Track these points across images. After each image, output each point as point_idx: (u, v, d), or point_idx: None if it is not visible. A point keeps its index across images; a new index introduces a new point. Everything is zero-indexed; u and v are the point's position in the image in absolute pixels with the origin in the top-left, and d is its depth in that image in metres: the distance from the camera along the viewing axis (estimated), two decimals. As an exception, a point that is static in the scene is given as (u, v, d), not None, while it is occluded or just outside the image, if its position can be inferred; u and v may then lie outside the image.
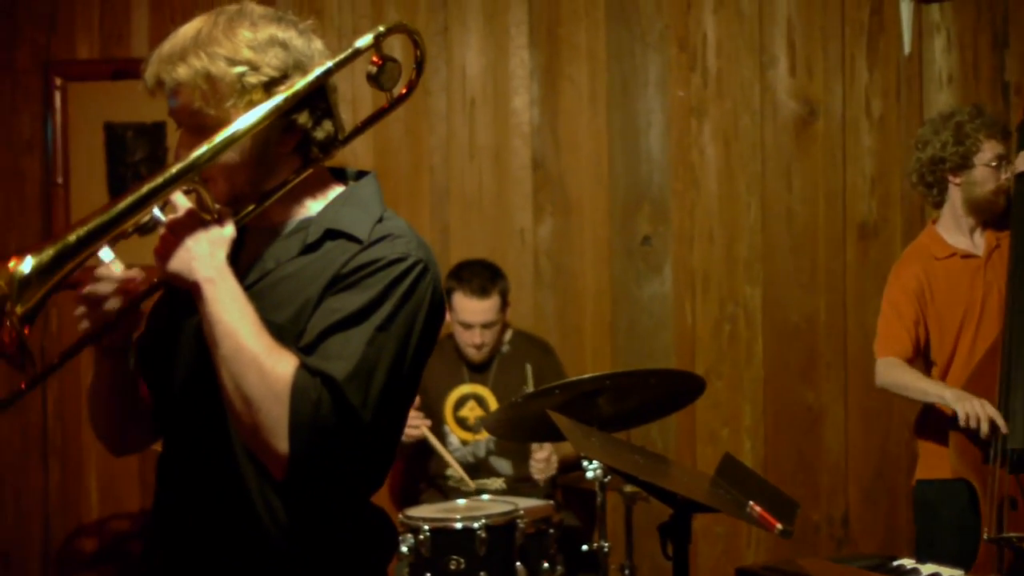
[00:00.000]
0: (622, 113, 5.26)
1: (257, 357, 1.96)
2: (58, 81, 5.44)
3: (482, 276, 4.81)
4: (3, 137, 5.52)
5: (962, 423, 3.97)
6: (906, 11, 4.99)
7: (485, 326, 4.81)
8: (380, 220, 2.16)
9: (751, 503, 2.44)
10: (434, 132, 5.35)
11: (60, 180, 5.45)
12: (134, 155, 5.36)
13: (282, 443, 1.97)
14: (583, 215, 5.29)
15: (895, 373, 4.23)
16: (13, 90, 5.49)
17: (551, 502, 4.54)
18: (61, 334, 5.17)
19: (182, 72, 2.05)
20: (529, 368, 4.72)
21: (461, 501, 4.54)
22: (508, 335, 4.99)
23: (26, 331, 1.88)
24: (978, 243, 4.36)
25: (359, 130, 2.24)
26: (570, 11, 5.28)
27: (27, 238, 5.43)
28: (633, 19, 5.25)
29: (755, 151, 5.20)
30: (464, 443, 4.88)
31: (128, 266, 2.11)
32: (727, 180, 5.22)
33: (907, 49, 5.03)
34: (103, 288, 2.09)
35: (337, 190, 2.23)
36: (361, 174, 2.29)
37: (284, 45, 2.09)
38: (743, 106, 5.20)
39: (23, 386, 2.02)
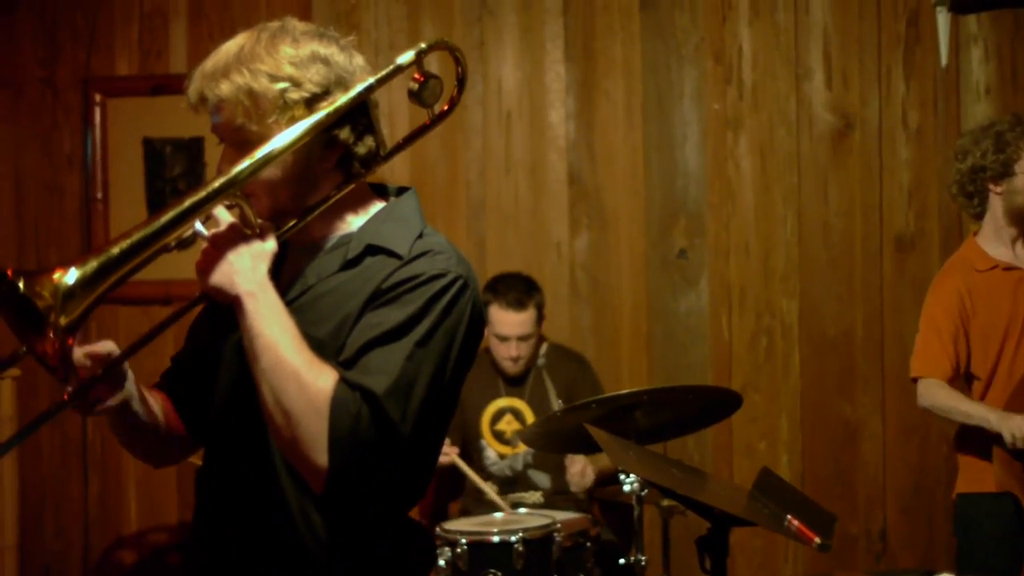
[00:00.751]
0: (658, 126, 5.27)
1: (297, 370, 1.97)
2: (98, 97, 5.48)
3: (518, 289, 4.82)
4: (44, 153, 5.57)
5: (1008, 444, 3.94)
6: (943, 22, 4.97)
7: (521, 339, 4.82)
8: (420, 236, 2.17)
9: (789, 517, 2.44)
10: (470, 146, 5.36)
11: (99, 195, 5.49)
12: (172, 170, 5.39)
13: (321, 456, 1.97)
14: (619, 228, 5.29)
15: (938, 396, 4.18)
16: (54, 106, 5.55)
17: (588, 516, 4.54)
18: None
19: (225, 88, 2.07)
20: (550, 384, 4.73)
21: (498, 515, 4.53)
22: (544, 348, 5.00)
23: (69, 342, 1.89)
24: (1020, 255, 4.31)
25: (401, 146, 2.24)
26: (606, 25, 5.29)
27: (67, 253, 5.47)
28: (668, 32, 5.26)
29: (791, 164, 5.19)
30: (502, 456, 4.89)
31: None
32: (763, 193, 5.21)
33: (944, 60, 5.00)
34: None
35: (378, 206, 2.24)
36: (402, 190, 2.30)
37: (326, 61, 2.10)
38: (779, 119, 5.19)
39: (65, 398, 2.02)
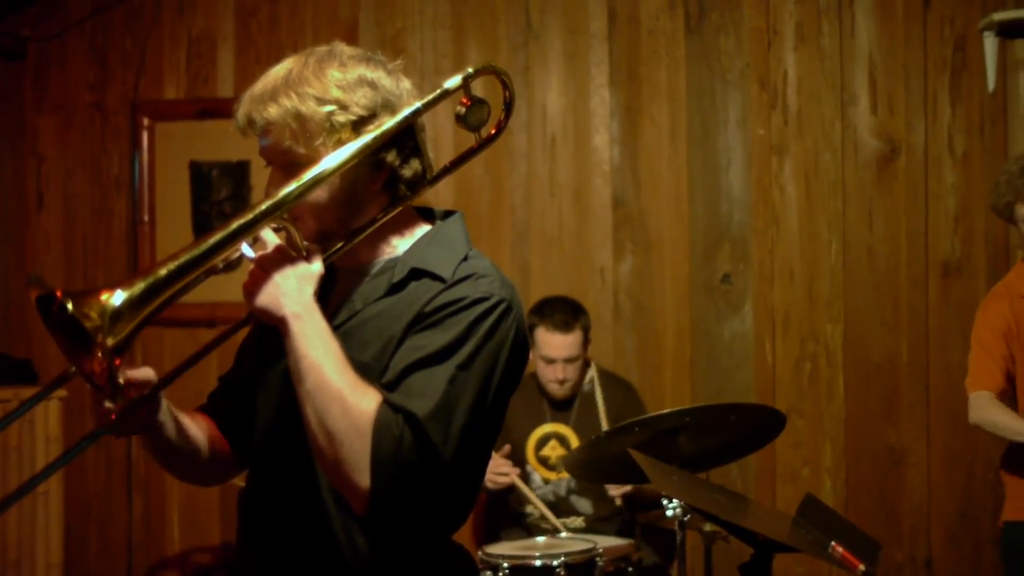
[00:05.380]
0: (702, 151, 5.27)
1: (341, 392, 1.98)
2: (146, 121, 5.54)
3: (564, 311, 4.82)
4: (92, 175, 5.64)
5: None
6: (990, 47, 4.96)
7: (567, 361, 4.81)
8: (465, 259, 2.18)
9: (833, 543, 2.42)
10: (515, 171, 5.38)
11: (146, 218, 5.54)
12: (219, 193, 5.43)
13: (364, 478, 1.97)
14: (663, 253, 5.29)
15: (990, 411, 4.13)
16: (103, 130, 5.61)
17: (631, 540, 4.53)
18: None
19: (273, 111, 2.08)
20: (599, 410, 4.73)
21: (540, 539, 4.53)
22: (590, 374, 4.99)
23: (116, 363, 1.90)
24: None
25: (448, 170, 2.26)
26: (651, 50, 5.30)
27: (113, 274, 5.53)
28: (713, 57, 5.26)
29: (836, 189, 5.17)
30: (546, 482, 4.88)
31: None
32: (808, 218, 5.19)
33: (991, 85, 4.99)
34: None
35: (423, 229, 2.25)
36: (448, 214, 2.31)
37: (373, 85, 2.12)
38: (824, 144, 5.18)
39: (112, 417, 2.02)
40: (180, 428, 2.26)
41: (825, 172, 5.18)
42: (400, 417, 1.98)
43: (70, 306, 1.87)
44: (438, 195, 5.12)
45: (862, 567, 2.35)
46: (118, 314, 1.91)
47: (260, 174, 5.45)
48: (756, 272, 5.23)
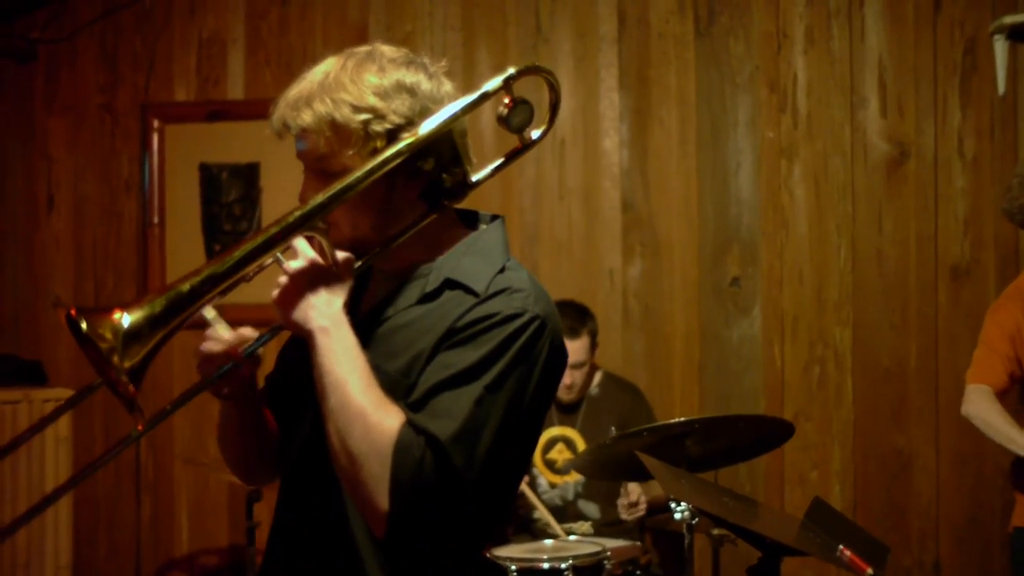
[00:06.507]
0: (712, 154, 5.27)
1: (364, 411, 1.93)
2: (156, 123, 5.55)
3: (572, 316, 4.82)
4: (102, 178, 5.65)
5: None
6: (1001, 50, 4.95)
7: (575, 366, 4.81)
8: (501, 271, 2.11)
9: (841, 547, 2.42)
10: (524, 173, 5.38)
11: (156, 220, 5.55)
12: (229, 195, 5.44)
13: (383, 500, 1.93)
14: (672, 256, 5.29)
15: (985, 407, 4.10)
16: (113, 132, 5.62)
17: (638, 543, 4.53)
18: (183, 373, 5.26)
19: (307, 117, 2.04)
20: (605, 414, 4.74)
21: (548, 542, 4.53)
22: (598, 378, 4.99)
23: (132, 390, 1.86)
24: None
25: (490, 174, 2.18)
26: (660, 53, 5.30)
27: (123, 277, 5.54)
28: (723, 60, 5.26)
29: (845, 192, 5.17)
30: (552, 486, 4.88)
31: (233, 326, 2.09)
32: (817, 221, 5.19)
33: (1002, 89, 4.98)
34: (212, 347, 2.08)
35: (463, 235, 2.19)
36: (492, 218, 2.25)
37: (412, 91, 2.07)
38: (833, 147, 5.18)
39: (140, 428, 1.97)
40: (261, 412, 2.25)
41: (834, 175, 5.18)
42: (422, 439, 1.93)
43: (84, 326, 1.84)
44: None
45: (870, 571, 2.35)
46: (135, 334, 1.87)
47: (270, 177, 5.48)
48: (765, 275, 5.23)
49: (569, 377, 4.81)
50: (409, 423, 1.95)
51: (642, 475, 3.99)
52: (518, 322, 2.03)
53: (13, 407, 4.76)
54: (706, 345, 5.27)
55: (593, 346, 4.86)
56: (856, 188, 5.16)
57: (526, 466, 2.20)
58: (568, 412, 4.93)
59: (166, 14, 5.60)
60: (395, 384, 2.02)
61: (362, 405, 1.94)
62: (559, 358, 2.12)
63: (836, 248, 5.18)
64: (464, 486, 1.96)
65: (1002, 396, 4.14)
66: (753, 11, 5.24)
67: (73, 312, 1.85)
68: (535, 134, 2.18)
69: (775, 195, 5.22)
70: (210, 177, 5.49)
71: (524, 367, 2.03)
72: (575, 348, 4.78)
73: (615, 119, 5.33)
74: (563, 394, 4.86)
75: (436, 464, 1.93)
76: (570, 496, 4.87)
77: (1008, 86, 4.99)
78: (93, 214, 5.66)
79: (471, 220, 2.25)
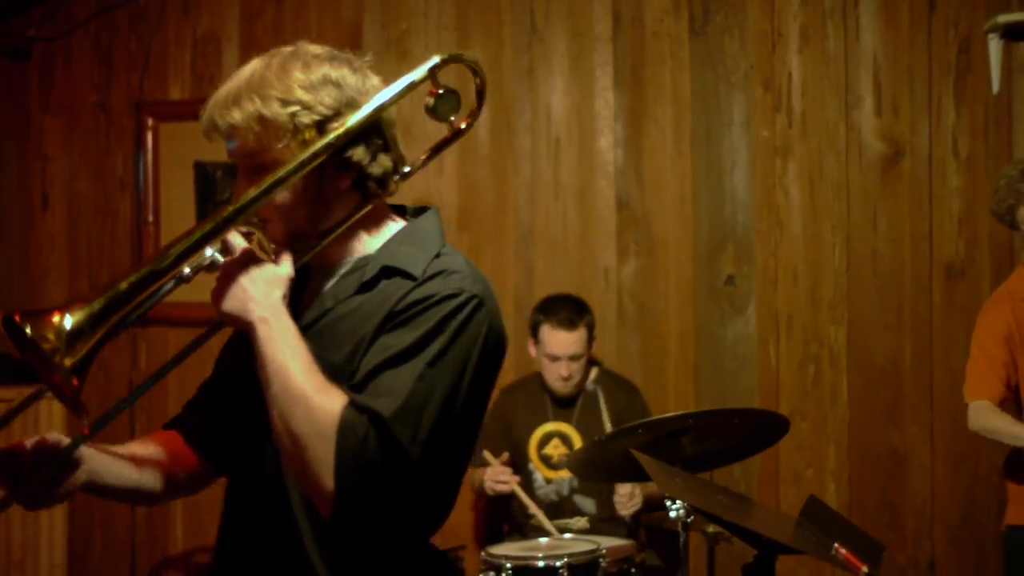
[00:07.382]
0: (706, 153, 5.27)
1: (305, 393, 1.95)
2: (150, 121, 5.55)
3: (569, 309, 4.83)
4: (97, 176, 5.65)
5: None
6: (995, 49, 4.95)
7: (572, 358, 4.82)
8: (437, 256, 2.15)
9: (836, 545, 2.43)
10: (519, 172, 5.38)
11: (151, 218, 5.55)
12: (223, 193, 5.44)
13: (328, 480, 1.94)
14: (667, 255, 5.29)
15: (987, 417, 4.15)
16: (107, 130, 5.62)
17: (633, 541, 4.53)
18: (149, 370, 5.25)
19: (236, 116, 2.07)
20: (601, 411, 4.73)
21: (543, 539, 4.53)
22: (594, 374, 4.99)
23: (74, 383, 1.87)
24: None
25: (419, 165, 2.23)
26: (655, 52, 5.30)
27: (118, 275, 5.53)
28: (718, 59, 5.26)
29: (840, 191, 5.17)
30: (548, 481, 4.88)
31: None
32: (812, 220, 5.19)
33: (996, 88, 4.98)
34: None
35: (397, 226, 2.23)
36: (421, 210, 2.29)
37: (337, 84, 2.09)
38: (828, 146, 5.18)
39: (86, 431, 2.03)
40: (122, 465, 2.26)
41: (829, 174, 5.18)
42: (365, 418, 1.95)
43: (29, 330, 1.85)
44: (442, 195, 5.12)
45: (865, 569, 2.36)
46: (77, 333, 1.88)
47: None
48: (760, 274, 5.23)
49: (567, 369, 4.81)
50: (352, 403, 1.96)
51: (637, 475, 3.99)
52: (456, 301, 2.06)
53: (7, 406, 4.75)
54: (701, 344, 5.27)
55: (590, 339, 4.86)
56: (851, 187, 5.17)
57: (471, 449, 2.20)
58: (564, 407, 4.93)
59: (160, 12, 5.60)
60: (340, 372, 2.04)
61: (304, 388, 1.96)
62: (499, 338, 2.15)
63: (831, 247, 5.18)
64: (409, 463, 1.98)
65: (1002, 406, 4.16)
66: (748, 10, 5.24)
67: (18, 318, 1.86)
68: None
69: (770, 194, 5.22)
70: (205, 175, 5.49)
71: (464, 344, 2.06)
72: (572, 340, 4.79)
73: (610, 118, 5.33)
74: (560, 387, 4.86)
75: (380, 442, 1.95)
76: (566, 491, 4.87)
77: (1002, 85, 4.99)
78: (88, 212, 5.66)
79: (402, 213, 2.29)
